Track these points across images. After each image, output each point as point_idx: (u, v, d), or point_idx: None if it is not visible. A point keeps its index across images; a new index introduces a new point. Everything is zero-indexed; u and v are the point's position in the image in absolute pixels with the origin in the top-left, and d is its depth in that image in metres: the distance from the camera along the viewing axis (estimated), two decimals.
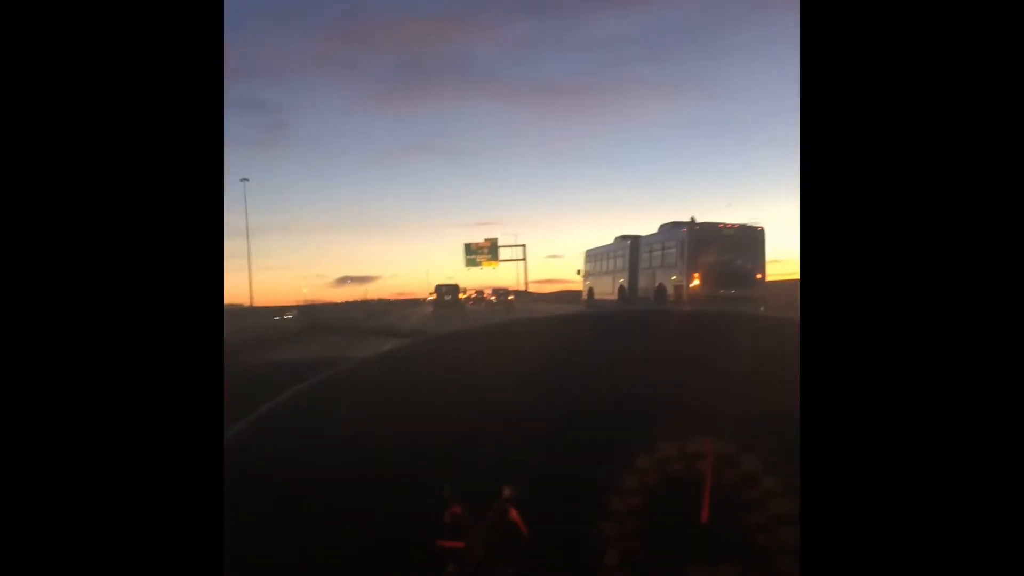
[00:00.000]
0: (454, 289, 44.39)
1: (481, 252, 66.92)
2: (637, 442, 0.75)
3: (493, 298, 54.07)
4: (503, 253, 68.00)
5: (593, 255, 27.74)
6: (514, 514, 0.72)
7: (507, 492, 0.72)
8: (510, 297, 51.76)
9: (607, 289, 24.79)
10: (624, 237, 23.82)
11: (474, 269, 67.21)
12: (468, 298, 51.77)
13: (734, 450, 0.74)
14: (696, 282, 17.76)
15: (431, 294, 46.46)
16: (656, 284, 19.86)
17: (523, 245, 70.16)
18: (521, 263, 70.98)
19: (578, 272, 29.44)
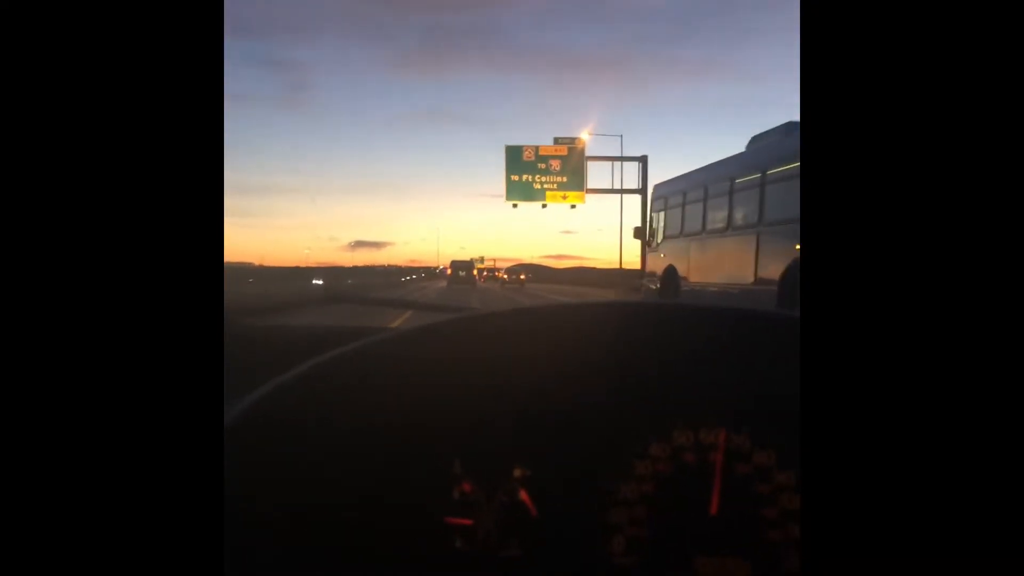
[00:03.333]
0: (469, 265, 46.37)
1: (546, 169, 26.76)
2: (651, 430, 0.74)
3: (504, 276, 54.71)
4: (593, 176, 27.26)
5: (677, 195, 11.95)
6: (523, 495, 0.73)
7: (517, 472, 0.73)
8: (522, 276, 52.31)
9: (728, 275, 9.92)
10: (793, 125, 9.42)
11: (529, 208, 28.26)
12: (480, 272, 52.22)
13: (747, 443, 0.72)
14: None
15: (447, 268, 48.08)
16: None
17: (643, 157, 27.14)
18: (636, 199, 26.19)
19: (635, 233, 14.81)
